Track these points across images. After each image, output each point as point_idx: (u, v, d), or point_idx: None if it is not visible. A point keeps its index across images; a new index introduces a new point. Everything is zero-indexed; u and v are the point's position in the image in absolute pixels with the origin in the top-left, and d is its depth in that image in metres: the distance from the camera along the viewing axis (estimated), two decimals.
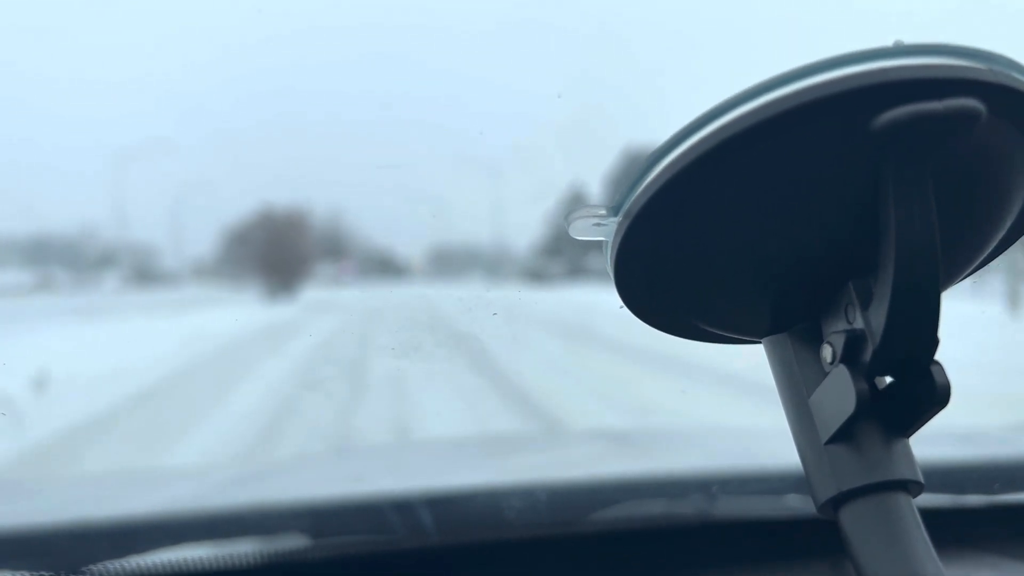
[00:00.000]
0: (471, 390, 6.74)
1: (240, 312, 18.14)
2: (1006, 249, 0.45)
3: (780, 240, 0.39)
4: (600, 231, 0.41)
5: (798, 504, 0.80)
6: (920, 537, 0.38)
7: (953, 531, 0.74)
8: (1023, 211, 0.42)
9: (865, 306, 0.38)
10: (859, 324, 0.38)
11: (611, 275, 0.42)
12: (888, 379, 0.40)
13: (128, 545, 0.72)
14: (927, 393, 0.38)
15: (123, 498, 0.96)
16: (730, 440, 1.33)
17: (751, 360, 0.50)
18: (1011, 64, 0.37)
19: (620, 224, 0.40)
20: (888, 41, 0.36)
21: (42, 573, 0.67)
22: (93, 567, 0.68)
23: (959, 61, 0.36)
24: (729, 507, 0.83)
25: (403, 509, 0.78)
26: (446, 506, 0.80)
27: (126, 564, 0.69)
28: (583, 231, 0.41)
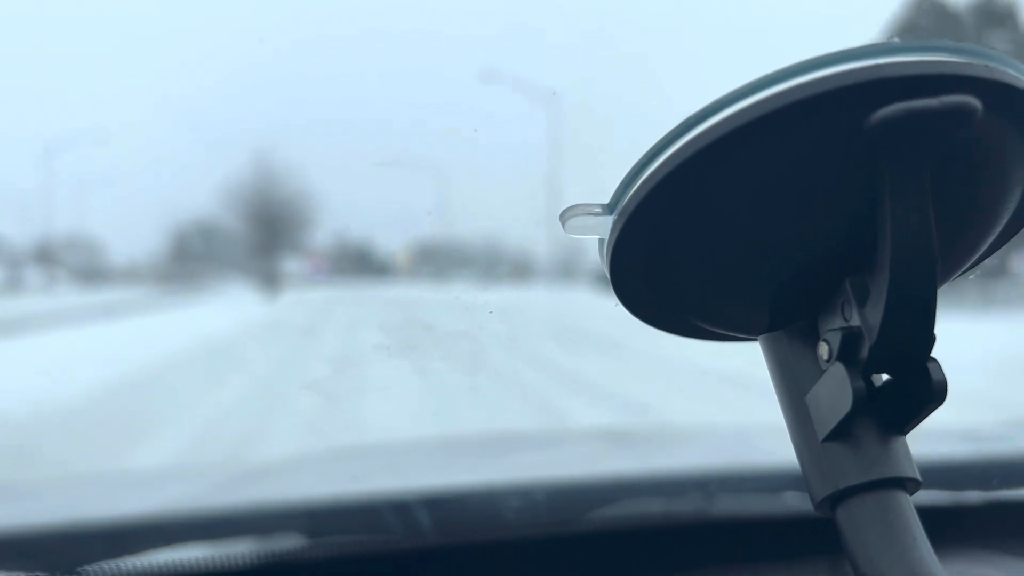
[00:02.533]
0: None
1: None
2: (1003, 246, 0.44)
3: (776, 238, 0.38)
4: (595, 229, 0.41)
5: (796, 502, 0.80)
6: (918, 534, 0.38)
7: (951, 528, 0.74)
8: (1019, 208, 0.42)
9: (862, 303, 0.38)
10: (856, 321, 0.38)
11: (607, 273, 0.42)
12: (885, 376, 0.40)
13: (123, 546, 0.71)
14: (924, 390, 0.38)
15: (118, 498, 0.96)
16: (728, 438, 1.33)
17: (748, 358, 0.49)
18: (1007, 61, 0.37)
19: (615, 222, 0.40)
20: (884, 38, 0.36)
21: (37, 574, 0.67)
22: (88, 568, 0.68)
23: (955, 58, 0.36)
24: (727, 505, 0.83)
25: (400, 509, 0.78)
26: (443, 505, 0.80)
27: (122, 565, 0.69)
28: (578, 229, 0.41)
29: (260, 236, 29.00)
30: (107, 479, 1.27)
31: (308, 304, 18.33)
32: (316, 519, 0.79)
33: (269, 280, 26.90)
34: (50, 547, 0.73)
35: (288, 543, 0.74)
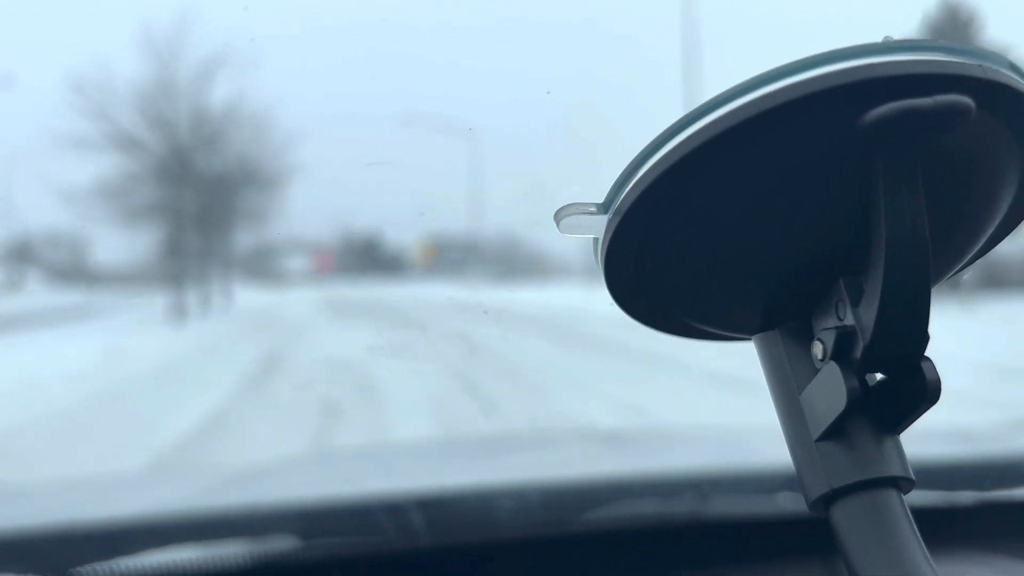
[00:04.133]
0: None
1: None
2: (996, 245, 0.45)
3: (770, 237, 0.38)
4: (590, 228, 0.41)
5: (790, 502, 0.80)
6: (911, 534, 0.38)
7: (944, 528, 0.74)
8: (1012, 207, 0.42)
9: (855, 303, 0.38)
10: (849, 321, 0.38)
11: (601, 273, 0.42)
12: (879, 376, 0.40)
13: (115, 547, 0.71)
14: (918, 390, 0.38)
15: (110, 500, 0.96)
16: (721, 439, 1.33)
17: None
18: (1001, 60, 0.37)
19: (610, 221, 0.40)
20: (878, 37, 0.36)
21: None
22: (80, 570, 0.68)
23: (949, 57, 0.36)
24: (721, 506, 0.83)
25: (393, 510, 0.77)
26: (437, 507, 0.80)
27: (113, 567, 0.68)
28: (573, 228, 0.41)
29: (166, 194, 15.77)
30: (99, 481, 1.26)
31: (263, 323, 11.19)
32: (309, 520, 0.78)
33: (180, 279, 15.00)
34: (41, 549, 0.73)
35: (281, 545, 0.74)
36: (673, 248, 0.40)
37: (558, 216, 0.41)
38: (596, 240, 0.42)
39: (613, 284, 0.42)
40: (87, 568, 0.68)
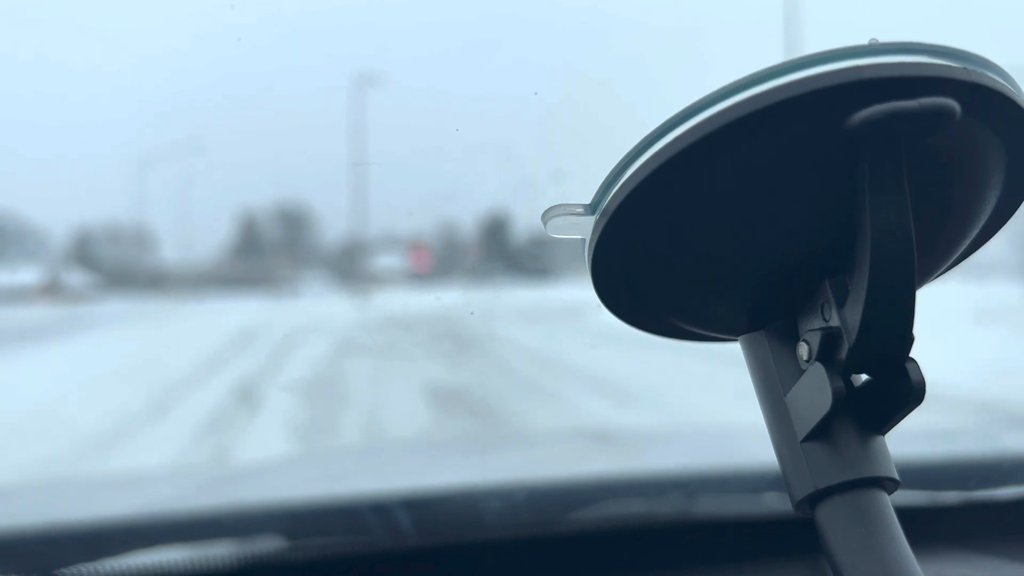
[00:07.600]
0: None
1: None
2: (980, 247, 0.45)
3: (756, 239, 0.39)
4: (577, 229, 0.41)
5: (776, 503, 0.80)
6: (896, 534, 0.38)
7: (929, 528, 0.75)
8: (996, 210, 0.42)
9: (841, 304, 0.38)
10: (835, 322, 0.38)
11: (588, 273, 0.42)
12: (864, 377, 0.40)
13: (102, 548, 0.71)
14: (903, 390, 0.38)
15: (97, 500, 0.95)
16: (708, 439, 1.33)
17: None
18: (985, 63, 0.37)
19: (597, 222, 0.40)
20: (864, 40, 0.37)
21: None
22: (65, 571, 0.67)
23: (934, 60, 0.36)
24: (707, 506, 0.83)
25: (381, 510, 0.77)
26: (424, 507, 0.80)
27: (99, 567, 0.68)
28: (560, 229, 0.41)
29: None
30: (86, 480, 1.26)
31: None
32: (297, 520, 0.78)
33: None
34: (27, 549, 0.73)
35: (269, 545, 0.73)
36: (660, 249, 0.40)
37: (545, 217, 0.41)
38: (584, 241, 0.42)
39: (600, 285, 0.43)
40: (72, 569, 0.67)
